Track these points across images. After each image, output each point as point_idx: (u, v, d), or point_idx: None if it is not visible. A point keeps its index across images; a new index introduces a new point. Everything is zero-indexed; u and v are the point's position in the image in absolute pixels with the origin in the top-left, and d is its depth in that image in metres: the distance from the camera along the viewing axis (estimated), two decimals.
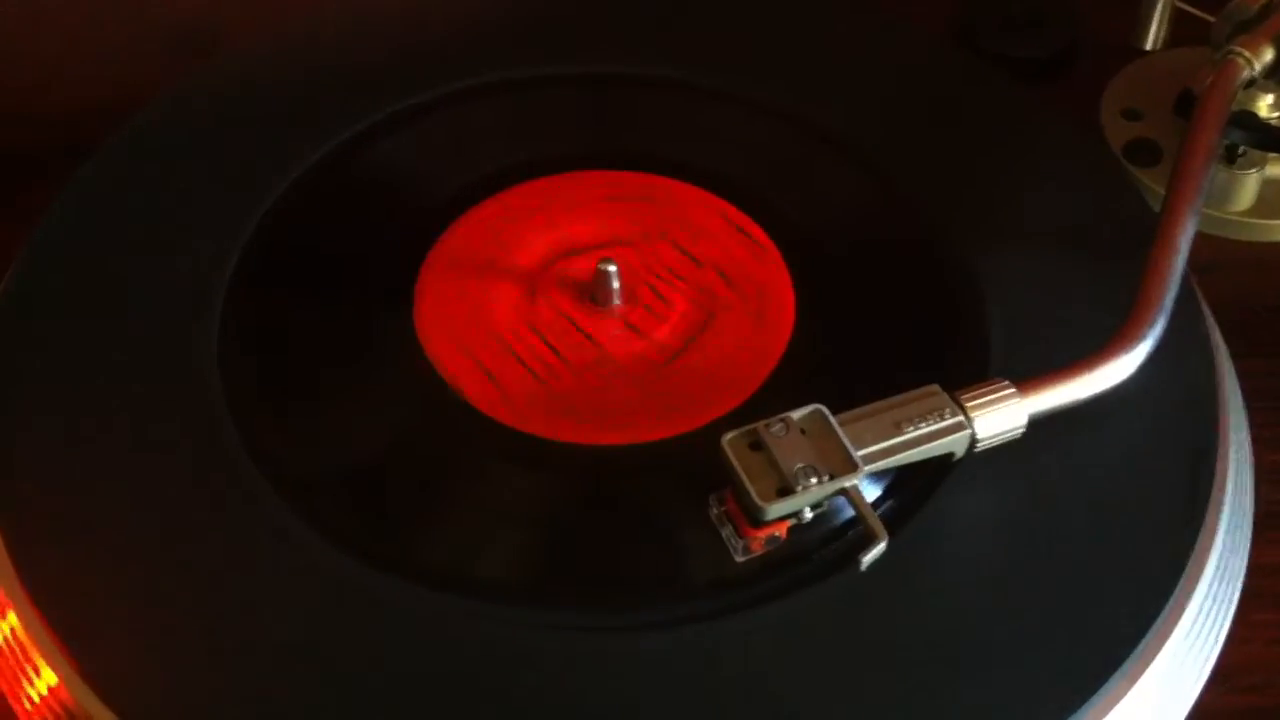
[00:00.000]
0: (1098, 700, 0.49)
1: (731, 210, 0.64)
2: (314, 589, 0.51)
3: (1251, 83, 0.64)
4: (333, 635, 0.50)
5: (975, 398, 0.52)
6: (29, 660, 0.51)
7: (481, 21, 0.71)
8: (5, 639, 0.52)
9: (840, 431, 0.50)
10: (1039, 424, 0.53)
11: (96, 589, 0.51)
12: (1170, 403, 0.56)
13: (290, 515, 0.53)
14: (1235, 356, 0.62)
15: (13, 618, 0.52)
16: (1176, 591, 0.52)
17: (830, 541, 0.53)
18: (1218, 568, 0.54)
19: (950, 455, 0.52)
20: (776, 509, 0.49)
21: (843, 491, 0.49)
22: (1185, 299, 0.58)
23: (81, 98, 0.76)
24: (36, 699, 0.51)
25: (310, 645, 0.50)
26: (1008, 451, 0.53)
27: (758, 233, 0.63)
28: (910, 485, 0.54)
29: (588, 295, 0.60)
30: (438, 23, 0.71)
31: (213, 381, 0.57)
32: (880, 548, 0.49)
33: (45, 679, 0.51)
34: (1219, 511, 0.55)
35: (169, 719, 0.49)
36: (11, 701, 0.52)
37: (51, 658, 0.51)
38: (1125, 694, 0.50)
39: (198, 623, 0.51)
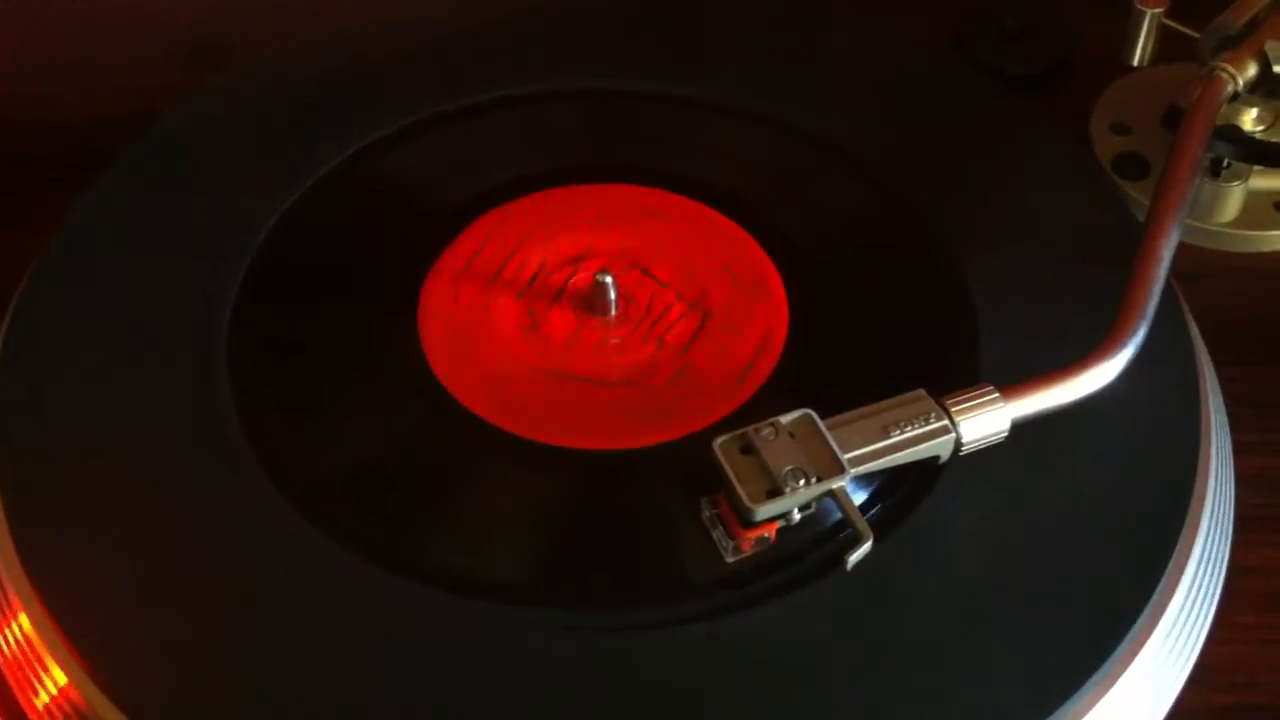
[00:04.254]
0: (1080, 698, 0.50)
1: (728, 222, 0.64)
2: (320, 591, 0.52)
3: (1235, 97, 0.65)
4: (340, 637, 0.51)
5: (960, 403, 0.53)
6: (40, 661, 0.52)
7: (490, 35, 0.72)
8: (16, 640, 0.53)
9: (828, 435, 0.51)
10: (1024, 427, 0.53)
11: (106, 591, 0.52)
12: (1153, 408, 0.57)
13: (297, 518, 0.54)
14: (1217, 363, 0.63)
15: (24, 619, 0.53)
16: (1158, 592, 0.53)
17: (819, 543, 0.54)
18: (1198, 569, 0.55)
19: (936, 458, 0.53)
20: (765, 510, 0.50)
21: (830, 493, 0.50)
22: (1169, 307, 0.59)
23: (94, 106, 0.77)
24: (47, 699, 0.52)
25: (317, 646, 0.51)
26: (993, 455, 0.53)
27: (753, 243, 0.64)
28: (897, 488, 0.55)
29: (586, 305, 0.61)
30: (447, 35, 0.72)
31: (222, 388, 0.58)
32: (866, 547, 0.50)
33: (55, 680, 0.52)
34: (1200, 514, 0.56)
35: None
36: (23, 702, 0.53)
37: (62, 659, 0.51)
38: (1106, 693, 0.51)
39: (206, 624, 0.51)
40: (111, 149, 0.66)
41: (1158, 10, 0.69)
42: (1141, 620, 0.52)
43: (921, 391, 0.53)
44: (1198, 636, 0.55)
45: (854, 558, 0.50)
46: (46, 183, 0.73)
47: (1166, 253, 0.58)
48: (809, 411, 0.52)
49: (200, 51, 0.80)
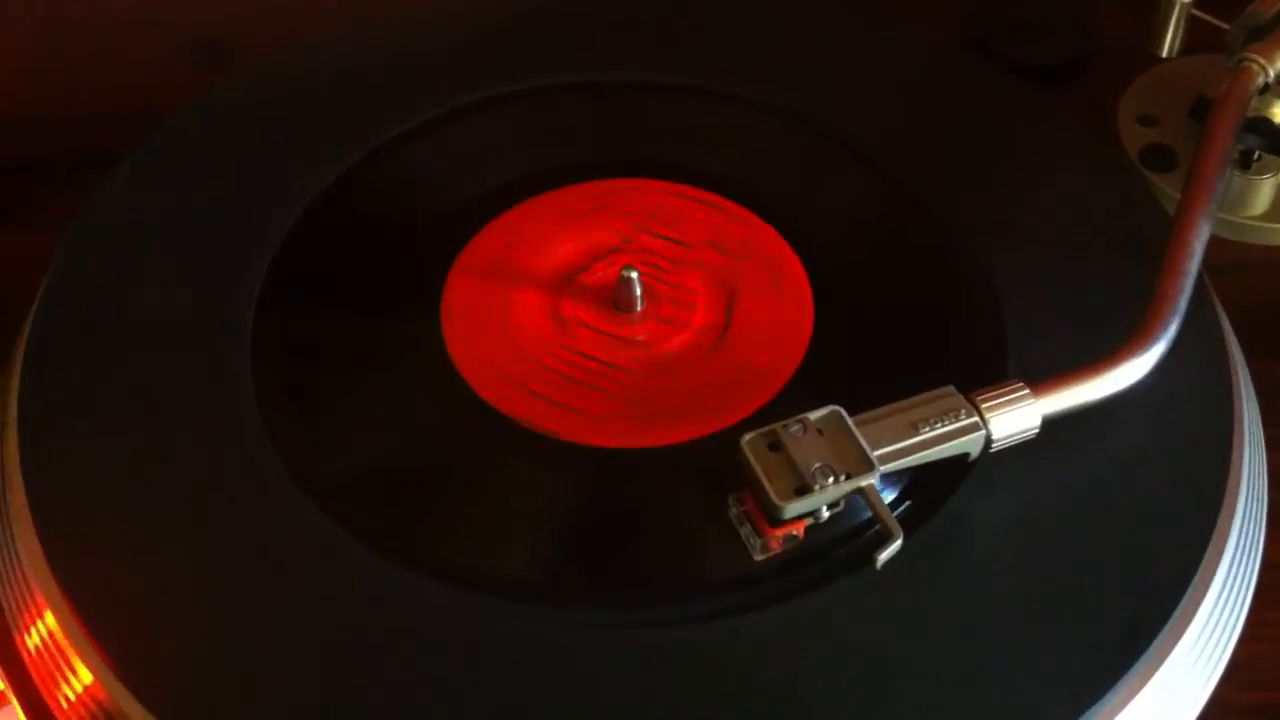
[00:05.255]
0: (1113, 696, 0.50)
1: (753, 217, 0.64)
2: (347, 589, 0.52)
3: (1266, 88, 0.65)
4: (369, 635, 0.51)
5: (990, 399, 0.52)
6: (65, 660, 0.52)
7: (504, 31, 0.72)
8: (43, 640, 0.53)
9: (857, 432, 0.51)
10: (1054, 424, 0.53)
11: (131, 590, 0.52)
12: (1184, 403, 0.57)
13: (320, 517, 0.54)
14: (1249, 357, 0.62)
15: (49, 617, 0.53)
16: (1191, 589, 0.52)
17: (848, 541, 0.53)
18: (1231, 565, 0.54)
19: (966, 455, 0.52)
20: (794, 508, 0.50)
21: (859, 491, 0.50)
22: (1200, 301, 0.58)
23: (98, 106, 0.77)
24: (73, 698, 0.52)
25: (344, 644, 0.51)
26: (1022, 451, 0.53)
27: (779, 239, 0.63)
28: (927, 486, 0.54)
29: (611, 302, 0.61)
30: (461, 30, 0.72)
31: (244, 387, 0.57)
32: (896, 546, 0.49)
33: (81, 678, 0.52)
34: (1232, 510, 0.55)
35: (203, 717, 0.50)
36: (49, 700, 0.53)
37: (87, 657, 0.51)
38: (1140, 690, 0.51)
39: (230, 622, 0.51)
40: (115, 150, 0.66)
41: (1186, 1, 0.69)
42: (1174, 618, 0.52)
43: (951, 388, 0.53)
44: (1230, 634, 0.55)
45: (884, 556, 0.50)
46: (50, 183, 0.73)
47: (1197, 246, 0.58)
48: (837, 408, 0.51)
49: (206, 51, 0.80)
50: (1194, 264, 0.57)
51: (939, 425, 0.52)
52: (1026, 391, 0.53)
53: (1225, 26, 0.67)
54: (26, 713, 0.53)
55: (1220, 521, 0.54)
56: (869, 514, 0.52)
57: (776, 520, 0.50)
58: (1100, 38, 0.77)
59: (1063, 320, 0.60)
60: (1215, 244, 0.60)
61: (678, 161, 0.67)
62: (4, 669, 0.54)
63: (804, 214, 0.64)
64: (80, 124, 0.76)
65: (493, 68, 0.70)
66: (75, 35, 0.81)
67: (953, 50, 0.74)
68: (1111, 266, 0.62)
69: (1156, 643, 0.51)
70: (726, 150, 0.68)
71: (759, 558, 0.51)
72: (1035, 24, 0.78)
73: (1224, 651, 0.54)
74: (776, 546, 0.51)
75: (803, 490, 0.50)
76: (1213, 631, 0.54)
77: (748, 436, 0.51)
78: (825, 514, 0.50)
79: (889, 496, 0.54)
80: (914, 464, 0.51)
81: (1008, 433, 0.52)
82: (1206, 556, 0.53)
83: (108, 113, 0.76)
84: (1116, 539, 0.53)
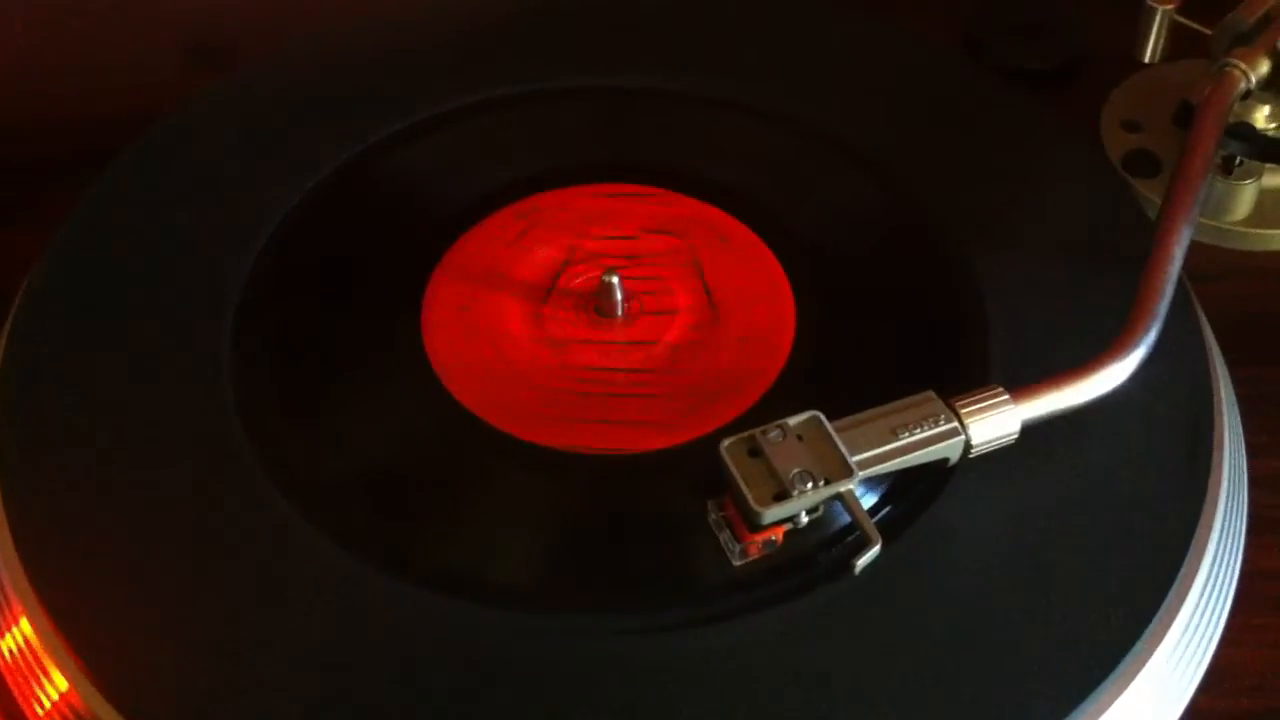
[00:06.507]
0: (1092, 703, 0.50)
1: (734, 221, 0.64)
2: (325, 595, 0.52)
3: (1248, 94, 0.65)
4: (342, 641, 0.51)
5: (969, 404, 0.52)
6: (41, 666, 0.52)
7: (497, 32, 0.72)
8: (18, 645, 0.53)
9: (836, 437, 0.51)
10: (1034, 430, 0.53)
11: (108, 595, 0.52)
12: (1165, 408, 0.57)
13: (300, 521, 0.53)
14: (1230, 363, 0.62)
15: (25, 624, 0.52)
16: (1170, 595, 0.52)
17: (826, 547, 0.53)
18: (1211, 572, 0.54)
19: (945, 461, 0.52)
20: (773, 513, 0.49)
21: (838, 496, 0.50)
22: (1181, 306, 0.58)
23: (95, 106, 0.77)
24: (48, 704, 0.52)
25: (320, 651, 0.51)
26: (1002, 457, 0.53)
27: (759, 242, 0.63)
28: (906, 491, 0.54)
29: (592, 306, 0.61)
30: (449, 34, 0.72)
31: (224, 390, 0.57)
32: (874, 552, 0.49)
33: (57, 684, 0.52)
34: (1212, 517, 0.55)
35: None
36: (24, 707, 0.53)
37: (63, 664, 0.51)
38: (1118, 697, 0.50)
39: (209, 628, 0.51)
40: (113, 149, 0.66)
41: (1169, 7, 0.69)
42: (1153, 625, 0.52)
43: (930, 393, 0.53)
44: (1210, 641, 0.54)
45: (862, 562, 0.49)
46: (48, 183, 0.73)
47: (1179, 251, 0.58)
48: (817, 413, 0.51)
49: (202, 51, 0.80)
50: (1175, 270, 0.57)
51: (918, 431, 0.52)
52: (1006, 397, 0.53)
53: (1208, 32, 0.67)
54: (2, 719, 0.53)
55: (1200, 528, 0.54)
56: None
57: (755, 526, 0.50)
58: (1095, 42, 0.77)
59: (1044, 325, 0.60)
60: (1196, 249, 0.60)
61: (663, 166, 0.67)
62: None
63: (788, 217, 0.64)
64: (80, 124, 0.76)
65: (479, 72, 0.70)
66: (74, 35, 0.81)
67: (946, 54, 0.74)
68: (1094, 272, 0.62)
69: (1135, 649, 0.51)
70: (712, 155, 0.67)
71: (738, 563, 0.51)
72: (1031, 28, 0.77)
73: (1203, 659, 0.54)
74: (755, 552, 0.51)
75: (782, 496, 0.50)
76: (1192, 639, 0.54)
77: (727, 442, 0.51)
78: (804, 519, 0.50)
79: (869, 502, 0.54)
80: (894, 469, 0.51)
81: (987, 438, 0.52)
82: (1186, 563, 0.53)
83: (107, 113, 0.76)
84: (1095, 545, 0.53)
